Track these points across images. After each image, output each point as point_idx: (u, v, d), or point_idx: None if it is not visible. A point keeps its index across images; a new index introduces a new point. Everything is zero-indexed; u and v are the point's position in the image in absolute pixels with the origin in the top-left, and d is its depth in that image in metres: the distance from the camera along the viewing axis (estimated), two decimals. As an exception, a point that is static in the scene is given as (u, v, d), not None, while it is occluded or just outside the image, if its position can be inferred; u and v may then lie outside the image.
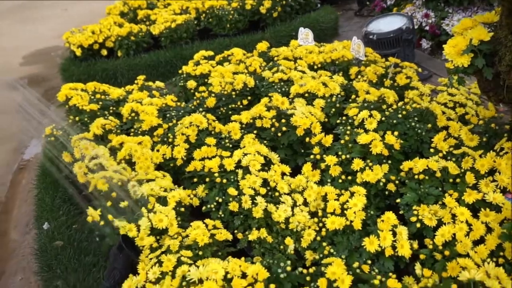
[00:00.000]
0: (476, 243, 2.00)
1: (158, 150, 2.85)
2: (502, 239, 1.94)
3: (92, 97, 3.51)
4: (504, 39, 2.11)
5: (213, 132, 2.96)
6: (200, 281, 1.87)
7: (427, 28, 4.75)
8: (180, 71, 3.98)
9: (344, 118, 2.90)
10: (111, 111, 3.43)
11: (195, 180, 2.66)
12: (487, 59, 2.18)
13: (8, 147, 4.58)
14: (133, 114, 3.25)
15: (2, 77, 6.49)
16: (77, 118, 3.29)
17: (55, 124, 3.32)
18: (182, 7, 5.95)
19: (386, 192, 2.43)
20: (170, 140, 2.92)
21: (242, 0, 5.77)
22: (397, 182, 2.43)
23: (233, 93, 3.38)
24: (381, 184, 2.40)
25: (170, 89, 3.98)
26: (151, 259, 2.12)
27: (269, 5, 5.56)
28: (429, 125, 2.71)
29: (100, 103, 3.44)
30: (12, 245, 3.23)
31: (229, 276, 1.89)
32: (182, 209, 2.44)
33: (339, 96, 3.10)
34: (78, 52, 5.24)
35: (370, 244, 2.05)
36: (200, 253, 2.11)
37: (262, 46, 4.21)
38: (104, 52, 5.36)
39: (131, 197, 2.47)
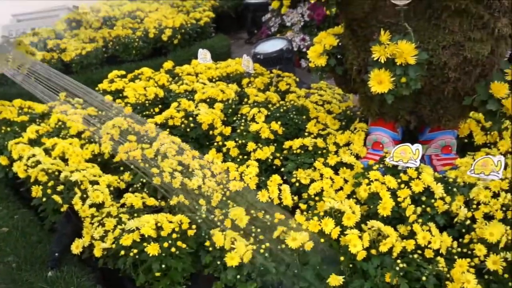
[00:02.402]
0: (337, 191, 2.79)
1: (87, 148, 3.39)
2: (354, 186, 2.74)
3: (20, 111, 3.96)
4: (347, 44, 2.96)
5: (132, 132, 3.55)
6: (137, 229, 2.46)
7: (304, 49, 5.66)
8: (96, 89, 4.51)
9: (239, 116, 3.63)
10: (38, 122, 3.90)
11: (122, 169, 3.24)
12: (338, 60, 3.04)
13: None
14: (59, 123, 3.75)
15: None
16: (8, 129, 3.73)
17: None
18: (90, 37, 6.47)
19: (274, 167, 3.17)
20: (96, 140, 3.46)
21: (145, 29, 6.43)
22: (281, 158, 3.18)
23: (147, 102, 4.00)
24: (270, 160, 3.14)
25: (87, 105, 4.47)
26: (93, 223, 2.68)
27: (170, 33, 6.28)
28: (304, 117, 3.53)
29: (28, 116, 3.90)
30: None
31: (158, 224, 2.50)
32: (112, 188, 3.00)
33: (234, 100, 3.84)
34: (-8, 80, 5.57)
35: (262, 196, 2.75)
36: (135, 215, 2.70)
37: (168, 65, 4.86)
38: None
39: (67, 183, 2.98)
